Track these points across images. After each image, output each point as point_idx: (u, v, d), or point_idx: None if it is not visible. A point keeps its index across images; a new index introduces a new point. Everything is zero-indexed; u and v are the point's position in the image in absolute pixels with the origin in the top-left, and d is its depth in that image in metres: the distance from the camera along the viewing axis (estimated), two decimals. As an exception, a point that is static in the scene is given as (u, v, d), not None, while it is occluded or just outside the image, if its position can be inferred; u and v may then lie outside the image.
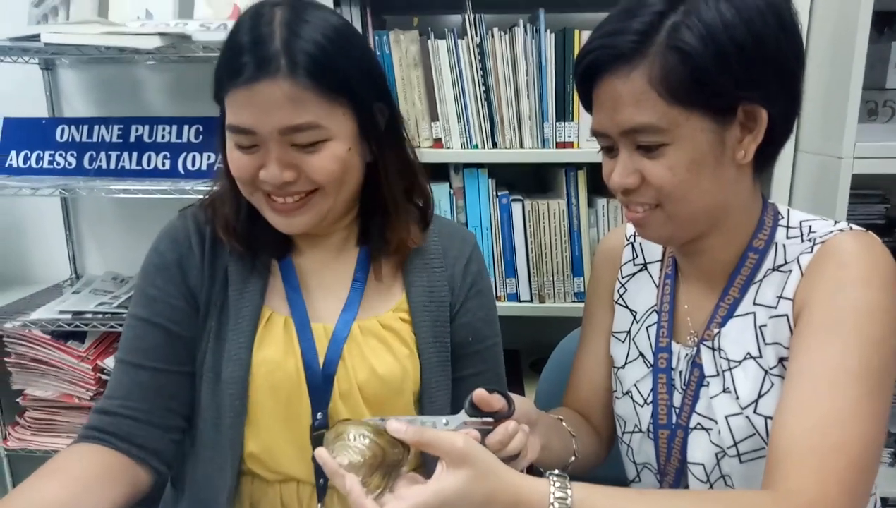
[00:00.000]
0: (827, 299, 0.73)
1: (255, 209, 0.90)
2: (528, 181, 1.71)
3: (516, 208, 1.51)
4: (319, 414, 0.90)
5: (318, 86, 0.80)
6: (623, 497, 0.65)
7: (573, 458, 0.89)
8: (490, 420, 0.73)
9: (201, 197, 0.98)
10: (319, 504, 0.92)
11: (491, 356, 1.01)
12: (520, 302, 1.55)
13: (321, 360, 0.90)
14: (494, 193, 1.51)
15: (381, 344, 0.93)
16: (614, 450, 0.97)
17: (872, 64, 1.27)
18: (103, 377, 1.64)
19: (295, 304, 0.93)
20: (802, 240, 0.79)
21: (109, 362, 1.62)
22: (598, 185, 1.54)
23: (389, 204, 0.92)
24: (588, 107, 0.81)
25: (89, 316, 1.60)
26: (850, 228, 0.77)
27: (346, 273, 0.95)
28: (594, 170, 1.50)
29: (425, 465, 0.94)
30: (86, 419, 0.91)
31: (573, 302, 1.54)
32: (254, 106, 0.80)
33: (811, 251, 0.76)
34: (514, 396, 0.76)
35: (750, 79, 0.71)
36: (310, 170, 0.83)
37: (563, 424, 0.90)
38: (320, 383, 0.90)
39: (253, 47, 0.80)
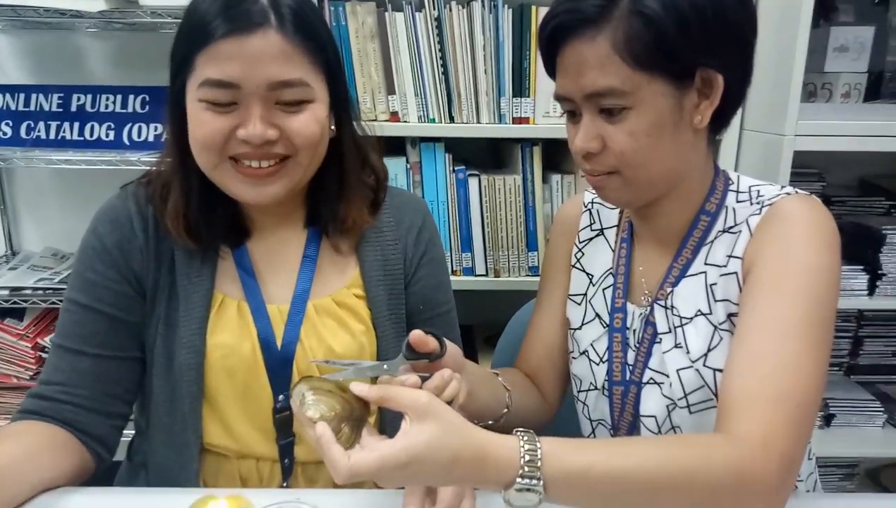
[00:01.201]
0: (774, 257, 0.77)
1: (208, 196, 0.87)
2: (485, 156, 1.72)
3: (472, 183, 1.52)
4: (281, 396, 0.89)
5: (304, 43, 0.80)
6: (589, 446, 0.66)
7: (505, 410, 0.90)
8: (426, 362, 0.74)
9: (147, 168, 0.94)
10: (285, 484, 0.91)
11: (444, 323, 1.01)
12: (475, 276, 1.57)
13: (279, 343, 0.89)
14: (451, 168, 1.52)
15: (337, 323, 0.92)
16: (571, 410, 1.00)
17: (813, 49, 1.36)
18: (43, 355, 1.58)
19: (250, 289, 0.91)
20: (751, 204, 0.82)
21: (50, 340, 1.56)
22: (553, 161, 1.56)
23: (345, 181, 0.92)
24: (551, 72, 0.82)
25: (28, 292, 1.53)
26: (796, 192, 0.81)
27: (297, 253, 0.94)
28: (550, 146, 1.53)
29: (385, 430, 0.94)
30: (25, 400, 0.87)
31: (527, 275, 1.57)
32: (242, 58, 0.78)
33: (759, 213, 0.80)
34: (445, 341, 0.77)
35: (708, 45, 0.74)
36: (291, 131, 0.81)
37: (499, 379, 0.92)
38: (279, 365, 0.89)
39: (237, 1, 0.78)
